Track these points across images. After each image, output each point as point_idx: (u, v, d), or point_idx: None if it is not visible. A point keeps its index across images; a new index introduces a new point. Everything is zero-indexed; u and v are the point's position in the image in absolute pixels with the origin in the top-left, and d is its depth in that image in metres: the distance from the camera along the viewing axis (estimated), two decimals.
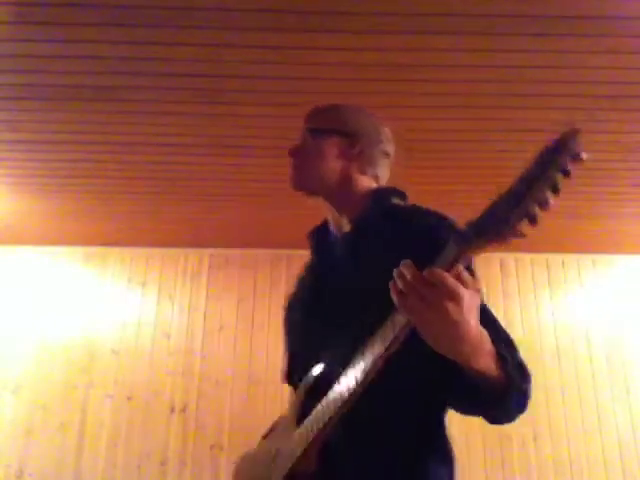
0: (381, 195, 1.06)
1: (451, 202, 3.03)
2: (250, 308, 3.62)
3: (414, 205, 1.04)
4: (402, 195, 1.09)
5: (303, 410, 0.90)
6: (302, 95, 2.14)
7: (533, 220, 0.60)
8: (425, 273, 0.65)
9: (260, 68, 1.98)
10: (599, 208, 3.08)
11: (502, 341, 0.81)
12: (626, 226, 3.33)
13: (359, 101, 2.20)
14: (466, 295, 0.65)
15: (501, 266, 3.78)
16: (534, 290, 3.73)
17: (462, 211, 3.32)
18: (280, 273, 3.66)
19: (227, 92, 2.13)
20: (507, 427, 3.46)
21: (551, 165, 0.60)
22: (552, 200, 0.59)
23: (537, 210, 0.60)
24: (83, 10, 1.73)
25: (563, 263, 3.80)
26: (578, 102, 2.16)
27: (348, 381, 0.76)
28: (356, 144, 1.08)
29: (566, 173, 0.60)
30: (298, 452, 0.85)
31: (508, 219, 0.63)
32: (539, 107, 2.19)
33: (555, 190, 0.59)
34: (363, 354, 0.75)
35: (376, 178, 1.11)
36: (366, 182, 1.09)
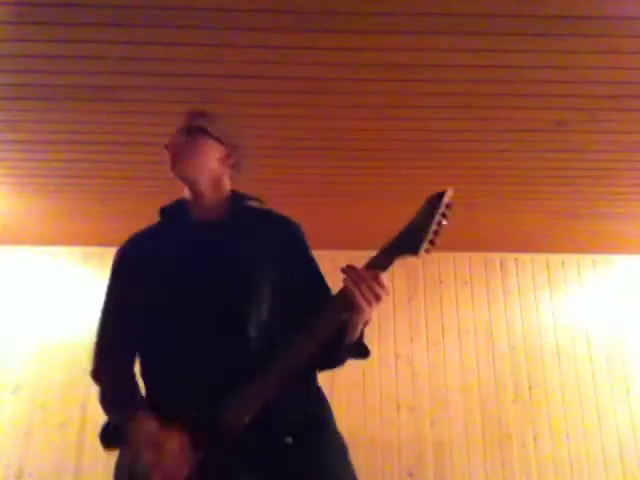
0: (242, 196, 1.39)
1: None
2: None
3: (270, 209, 1.42)
4: (259, 199, 1.42)
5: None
6: (302, 95, 2.14)
7: (433, 243, 1.07)
8: (372, 272, 1.04)
9: (260, 68, 1.98)
10: (599, 208, 3.08)
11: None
12: (626, 226, 3.33)
13: (359, 101, 2.21)
14: (385, 281, 1.05)
15: (501, 266, 3.78)
16: (534, 290, 3.73)
17: (462, 211, 3.34)
18: None
19: (227, 92, 2.13)
20: (507, 427, 3.43)
21: (437, 211, 1.08)
22: (441, 230, 1.07)
23: (434, 237, 1.07)
24: (83, 10, 1.72)
25: (563, 263, 3.80)
26: (578, 102, 2.15)
27: (301, 350, 1.07)
28: (232, 155, 1.36)
29: (445, 216, 1.08)
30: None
31: (420, 242, 1.05)
32: (539, 107, 2.19)
33: (440, 225, 1.07)
34: (312, 330, 1.06)
35: (233, 182, 1.40)
36: (229, 185, 1.38)
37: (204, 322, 1.16)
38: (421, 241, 1.04)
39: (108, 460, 3.60)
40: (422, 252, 1.05)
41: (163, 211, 1.43)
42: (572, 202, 3.01)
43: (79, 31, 1.81)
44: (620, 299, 3.70)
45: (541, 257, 3.78)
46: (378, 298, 1.03)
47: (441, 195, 1.08)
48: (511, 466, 3.31)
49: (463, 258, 3.73)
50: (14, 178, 2.82)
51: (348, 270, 1.05)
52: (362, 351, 1.17)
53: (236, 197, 1.37)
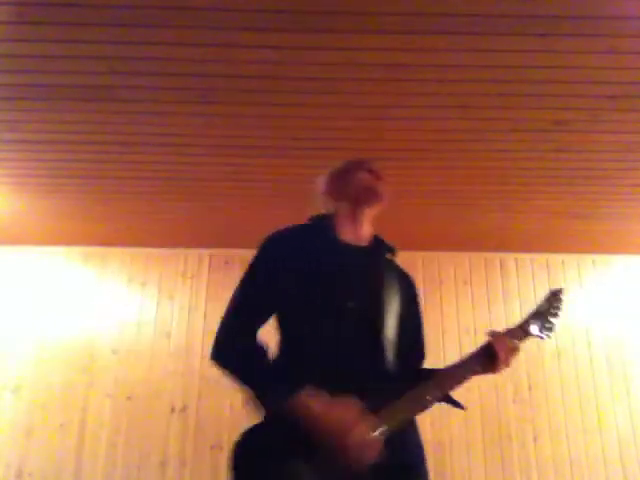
0: (382, 239, 1.50)
1: (451, 202, 3.03)
2: None
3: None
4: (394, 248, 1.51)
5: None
6: (302, 95, 2.14)
7: (550, 331, 1.36)
8: (515, 344, 1.31)
9: (260, 68, 1.98)
10: (599, 208, 3.08)
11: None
12: (626, 226, 3.33)
13: (359, 101, 2.21)
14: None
15: (501, 266, 3.78)
16: (534, 290, 3.73)
17: (462, 211, 3.33)
18: None
19: (227, 92, 2.13)
20: (507, 427, 3.45)
21: (553, 305, 1.37)
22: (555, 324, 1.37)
23: (553, 326, 1.36)
24: (83, 10, 1.73)
25: (563, 263, 3.80)
26: (578, 102, 2.15)
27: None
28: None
29: (558, 311, 1.38)
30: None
31: (545, 327, 1.36)
32: (539, 107, 2.19)
33: (555, 316, 1.38)
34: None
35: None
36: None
37: (356, 332, 1.24)
38: (547, 326, 1.35)
39: (108, 460, 3.60)
40: (547, 335, 1.35)
41: (314, 220, 1.46)
42: (572, 202, 3.01)
43: (79, 31, 1.81)
44: (620, 299, 3.70)
45: (541, 257, 3.78)
46: (508, 365, 1.26)
47: (559, 291, 1.38)
48: (511, 466, 3.31)
49: (463, 258, 3.73)
50: (15, 178, 2.82)
51: (497, 336, 1.28)
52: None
53: (377, 237, 1.47)
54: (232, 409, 3.35)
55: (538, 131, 2.35)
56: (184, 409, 3.39)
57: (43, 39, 1.84)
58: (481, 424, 3.39)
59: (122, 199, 3.04)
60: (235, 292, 1.30)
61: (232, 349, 1.25)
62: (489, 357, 1.24)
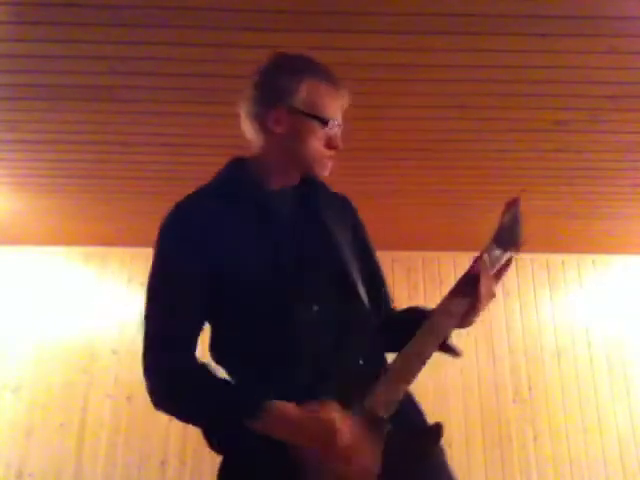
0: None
1: (451, 202, 3.03)
2: None
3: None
4: None
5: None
6: None
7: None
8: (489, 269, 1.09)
9: None
10: (599, 208, 3.08)
11: None
12: (626, 226, 3.33)
13: (359, 101, 2.21)
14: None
15: None
16: (534, 290, 3.73)
17: (462, 211, 3.33)
18: None
19: (227, 92, 2.13)
20: (507, 427, 3.44)
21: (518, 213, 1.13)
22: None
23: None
24: (83, 10, 1.73)
25: (563, 263, 3.80)
26: (578, 102, 2.15)
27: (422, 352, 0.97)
28: None
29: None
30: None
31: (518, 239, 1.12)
32: (539, 107, 2.19)
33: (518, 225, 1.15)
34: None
35: None
36: None
37: (320, 295, 1.02)
38: (518, 238, 1.11)
39: (108, 460, 3.59)
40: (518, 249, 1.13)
41: (229, 172, 1.13)
42: (572, 202, 3.01)
43: (79, 31, 1.81)
44: (620, 299, 3.70)
45: (541, 257, 3.78)
46: (493, 297, 1.06)
47: (517, 200, 1.13)
48: (511, 466, 3.31)
49: (463, 258, 3.72)
50: (15, 178, 2.82)
51: (480, 262, 1.07)
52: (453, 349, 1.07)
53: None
54: None
55: (538, 131, 2.35)
56: None
57: (43, 39, 1.84)
58: (481, 424, 3.39)
59: (122, 199, 3.04)
60: (148, 305, 0.99)
61: (167, 385, 0.93)
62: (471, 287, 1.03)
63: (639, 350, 3.58)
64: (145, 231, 3.49)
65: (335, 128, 1.07)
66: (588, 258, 3.79)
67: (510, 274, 3.76)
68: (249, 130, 1.10)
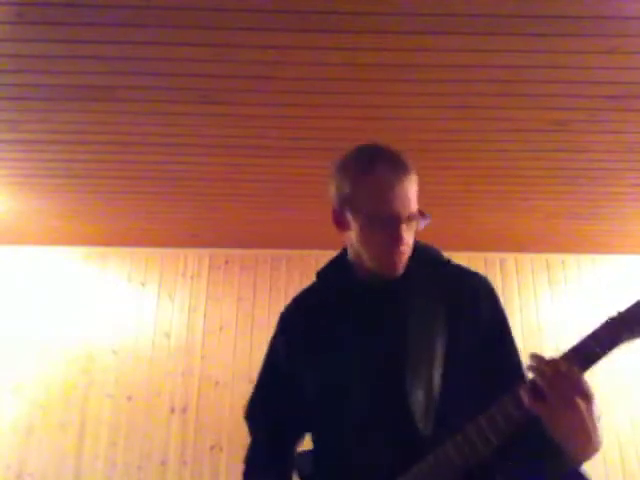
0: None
1: (451, 202, 3.03)
2: (250, 308, 3.62)
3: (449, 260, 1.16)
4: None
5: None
6: (302, 95, 2.14)
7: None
8: (570, 368, 0.81)
9: (260, 68, 1.98)
10: (599, 208, 3.08)
11: None
12: (626, 226, 3.33)
13: (359, 101, 2.21)
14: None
15: (501, 266, 3.78)
16: (534, 290, 3.73)
17: (462, 211, 3.34)
18: (280, 273, 3.65)
19: (227, 92, 2.13)
20: None
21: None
22: None
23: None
24: (83, 10, 1.72)
25: (563, 263, 3.80)
26: (578, 102, 2.15)
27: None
28: None
29: None
30: None
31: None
32: (539, 107, 2.19)
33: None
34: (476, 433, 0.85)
35: None
36: None
37: (372, 404, 0.97)
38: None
39: (108, 460, 3.59)
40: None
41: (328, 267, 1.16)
42: (572, 202, 3.01)
43: (79, 31, 1.81)
44: (620, 299, 3.69)
45: (541, 257, 3.78)
46: (573, 406, 0.79)
47: None
48: None
49: (463, 258, 3.72)
50: (15, 178, 2.82)
51: (536, 359, 0.82)
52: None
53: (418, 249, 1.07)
54: (232, 409, 3.35)
55: (538, 131, 2.34)
56: (184, 409, 3.39)
57: (43, 39, 1.84)
58: None
59: (122, 199, 3.04)
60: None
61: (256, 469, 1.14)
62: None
63: (638, 350, 3.57)
64: (145, 231, 3.52)
65: (391, 220, 0.95)
66: (588, 258, 3.79)
67: (510, 274, 3.77)
68: None
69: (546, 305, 3.69)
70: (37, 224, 3.43)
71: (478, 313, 0.95)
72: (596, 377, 3.43)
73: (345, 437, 0.98)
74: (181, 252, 3.75)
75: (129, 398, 3.41)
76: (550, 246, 3.66)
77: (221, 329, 3.58)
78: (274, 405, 1.15)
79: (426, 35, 1.82)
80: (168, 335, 3.57)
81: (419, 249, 1.05)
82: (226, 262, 3.72)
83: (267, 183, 2.85)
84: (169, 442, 3.32)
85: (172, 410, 3.39)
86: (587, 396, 0.80)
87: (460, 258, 1.14)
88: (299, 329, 1.10)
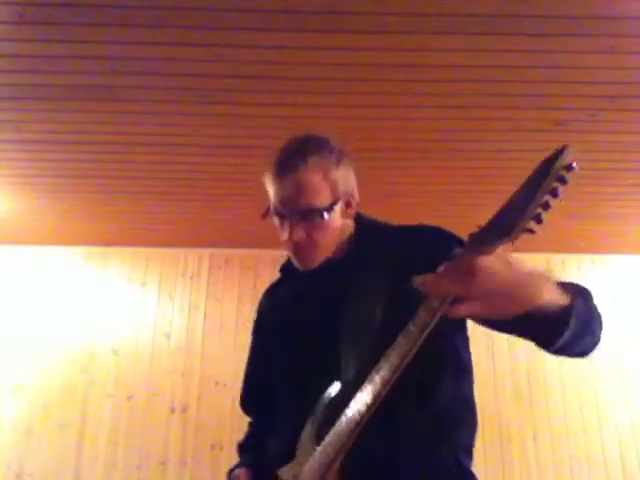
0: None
1: (451, 202, 3.03)
2: (250, 308, 3.62)
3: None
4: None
5: (321, 430, 0.93)
6: (302, 95, 2.14)
7: (538, 220, 0.69)
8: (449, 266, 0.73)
9: (260, 68, 1.99)
10: (599, 208, 3.08)
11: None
12: (626, 226, 3.33)
13: (359, 101, 2.21)
14: (484, 260, 0.70)
15: None
16: None
17: (462, 211, 3.34)
18: None
19: (227, 92, 2.13)
20: (507, 427, 3.43)
21: (549, 174, 0.67)
22: (552, 202, 0.68)
23: (541, 211, 0.69)
24: (83, 10, 1.73)
25: (563, 263, 3.80)
26: (578, 102, 2.16)
27: (363, 398, 0.83)
28: (353, 200, 1.08)
29: (562, 180, 0.67)
30: (320, 471, 0.89)
31: (518, 220, 0.69)
32: (539, 107, 2.19)
33: (554, 194, 0.68)
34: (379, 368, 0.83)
35: None
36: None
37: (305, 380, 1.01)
38: (517, 219, 0.68)
39: (108, 460, 3.59)
40: (522, 231, 0.69)
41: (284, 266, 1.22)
42: (572, 202, 3.01)
43: (79, 31, 1.81)
44: (620, 299, 3.69)
45: (541, 257, 3.78)
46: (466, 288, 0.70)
47: (559, 153, 0.67)
48: (511, 466, 3.31)
49: None
50: (15, 178, 2.82)
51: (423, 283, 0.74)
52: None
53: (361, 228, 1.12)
54: (232, 409, 3.34)
55: (538, 131, 2.35)
56: (184, 409, 3.39)
57: (44, 39, 1.84)
58: (481, 424, 3.37)
59: (122, 199, 3.04)
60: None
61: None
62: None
63: (639, 350, 3.58)
64: (145, 231, 3.52)
65: (278, 219, 1.06)
66: (588, 258, 3.79)
67: None
68: None
69: None
70: (37, 224, 3.43)
71: (431, 264, 0.76)
72: (596, 377, 3.42)
73: (279, 412, 1.09)
74: (181, 252, 3.75)
75: (129, 398, 3.41)
76: (550, 246, 3.66)
77: (221, 329, 3.58)
78: (255, 382, 1.28)
79: (426, 35, 1.82)
80: (168, 335, 3.57)
81: (365, 225, 1.10)
82: (226, 262, 3.72)
83: None
84: (169, 442, 3.32)
85: (172, 410, 3.39)
86: (493, 267, 0.70)
87: None
88: (262, 312, 1.26)
